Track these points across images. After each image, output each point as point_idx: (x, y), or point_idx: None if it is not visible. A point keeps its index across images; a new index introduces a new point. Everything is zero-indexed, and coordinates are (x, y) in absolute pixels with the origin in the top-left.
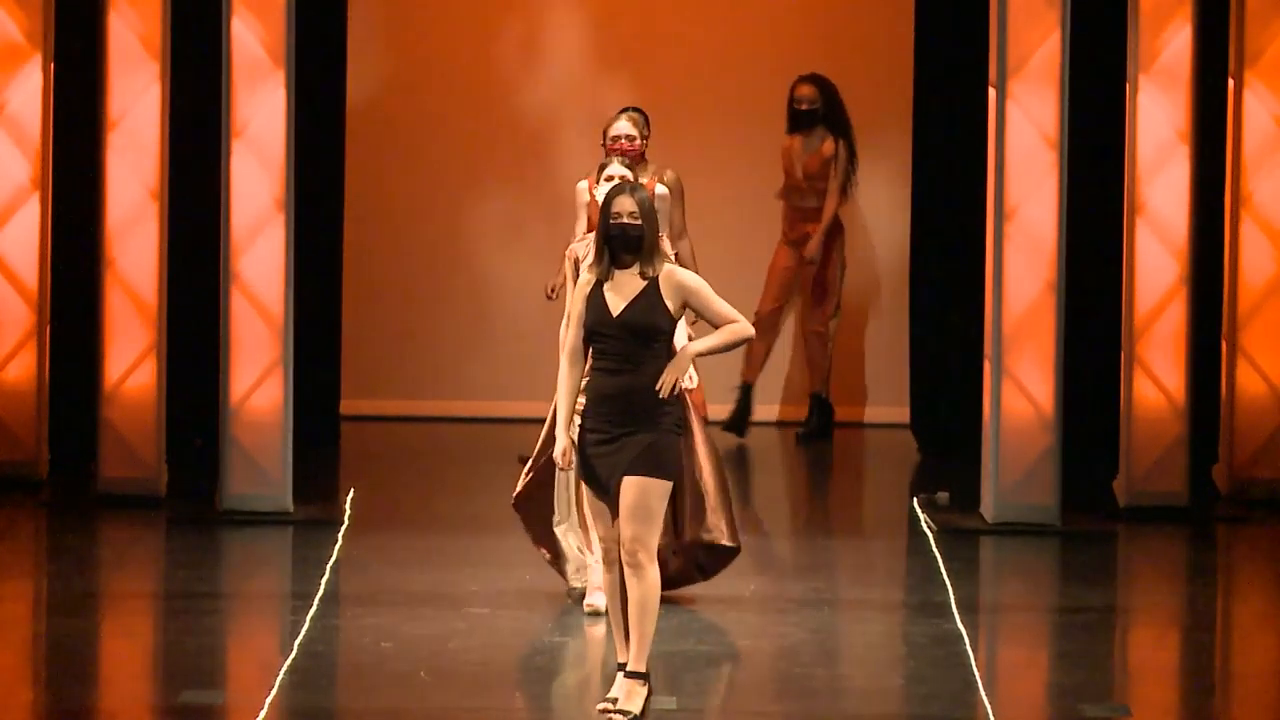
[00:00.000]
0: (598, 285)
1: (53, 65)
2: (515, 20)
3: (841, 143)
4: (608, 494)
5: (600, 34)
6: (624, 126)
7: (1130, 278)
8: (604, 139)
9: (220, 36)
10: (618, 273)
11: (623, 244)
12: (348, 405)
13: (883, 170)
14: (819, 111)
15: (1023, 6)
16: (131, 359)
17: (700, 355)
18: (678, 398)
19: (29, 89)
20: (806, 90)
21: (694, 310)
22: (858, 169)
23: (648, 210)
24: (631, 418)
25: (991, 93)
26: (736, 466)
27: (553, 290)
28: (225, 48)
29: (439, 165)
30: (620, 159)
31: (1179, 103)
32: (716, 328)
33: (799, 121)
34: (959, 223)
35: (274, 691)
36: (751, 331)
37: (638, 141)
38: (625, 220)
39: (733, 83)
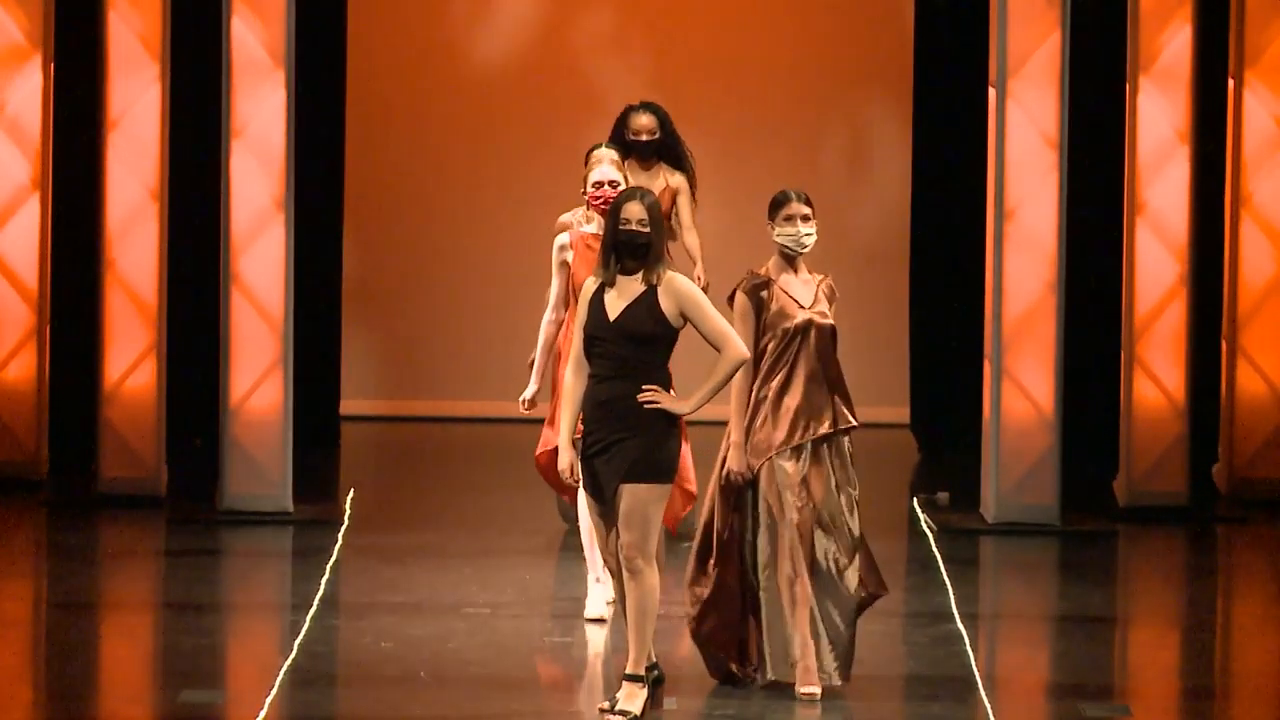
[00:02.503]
0: (599, 290)
1: (53, 65)
2: (518, 18)
3: (684, 175)
4: (606, 503)
5: (605, 30)
6: (608, 172)
7: (1130, 278)
8: (584, 185)
9: (220, 36)
10: (621, 279)
11: (630, 250)
12: (348, 405)
13: (882, 170)
14: (658, 142)
15: (1023, 6)
16: (131, 359)
17: (703, 403)
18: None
19: (29, 89)
20: (646, 120)
21: (689, 322)
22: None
23: (657, 218)
24: (625, 423)
25: (991, 93)
26: None
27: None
28: (225, 48)
29: (440, 165)
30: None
31: (1179, 103)
32: (709, 343)
33: (638, 154)
34: (959, 223)
35: (274, 691)
36: (746, 355)
37: (621, 188)
38: (634, 227)
39: (728, 84)
